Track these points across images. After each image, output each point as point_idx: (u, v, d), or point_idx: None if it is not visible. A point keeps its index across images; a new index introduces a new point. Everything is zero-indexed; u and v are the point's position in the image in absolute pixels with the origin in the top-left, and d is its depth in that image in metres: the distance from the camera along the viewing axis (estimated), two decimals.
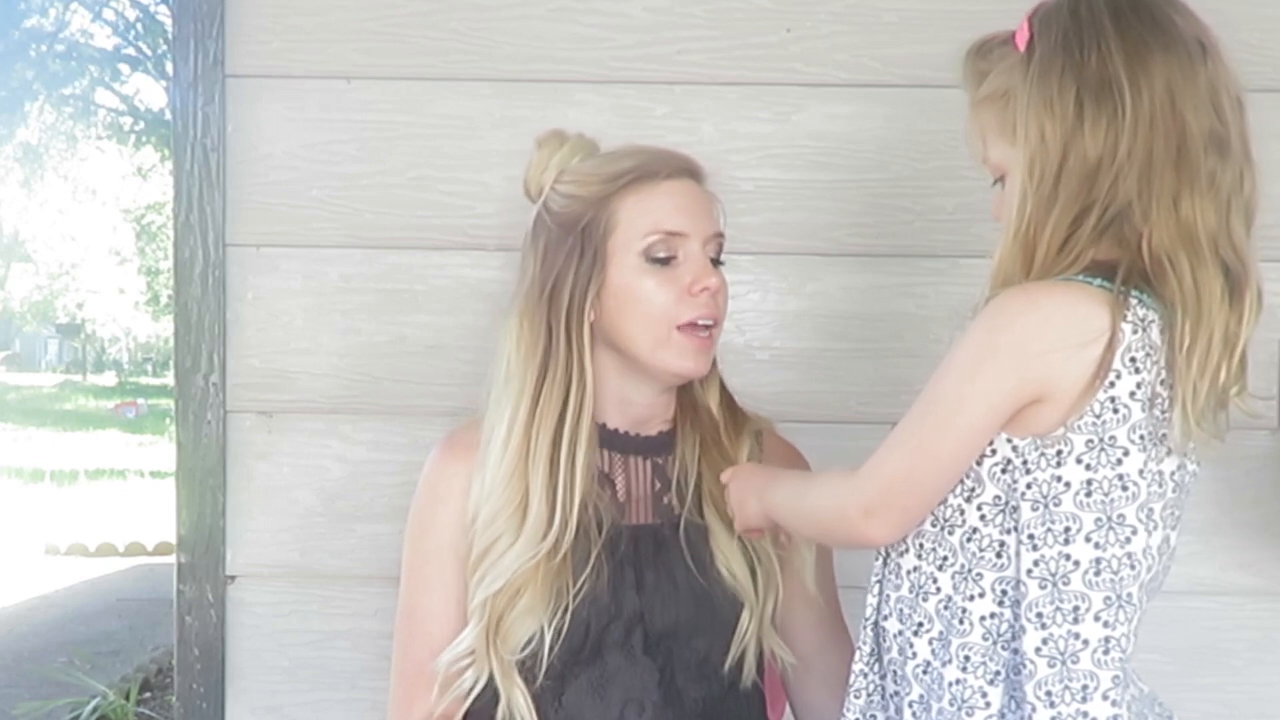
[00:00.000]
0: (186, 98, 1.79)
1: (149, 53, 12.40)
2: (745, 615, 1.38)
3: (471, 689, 1.36)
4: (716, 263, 1.41)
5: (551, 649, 1.32)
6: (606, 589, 1.34)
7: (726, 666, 1.38)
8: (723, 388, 1.48)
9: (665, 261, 1.36)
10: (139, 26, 12.43)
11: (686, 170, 1.41)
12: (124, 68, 13.44)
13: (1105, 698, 1.07)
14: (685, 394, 1.46)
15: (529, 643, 1.33)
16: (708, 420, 1.45)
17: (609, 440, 1.42)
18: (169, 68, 1.87)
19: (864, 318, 1.82)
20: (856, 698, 1.20)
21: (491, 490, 1.36)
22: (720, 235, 1.41)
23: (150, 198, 18.15)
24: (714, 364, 1.46)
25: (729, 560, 1.38)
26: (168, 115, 4.74)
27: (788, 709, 1.54)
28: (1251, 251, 1.09)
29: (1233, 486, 1.79)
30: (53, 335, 33.41)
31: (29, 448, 13.65)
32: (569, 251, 1.37)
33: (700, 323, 1.36)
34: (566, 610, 1.32)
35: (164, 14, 11.21)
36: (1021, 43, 1.12)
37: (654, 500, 1.43)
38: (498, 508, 1.35)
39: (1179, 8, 1.11)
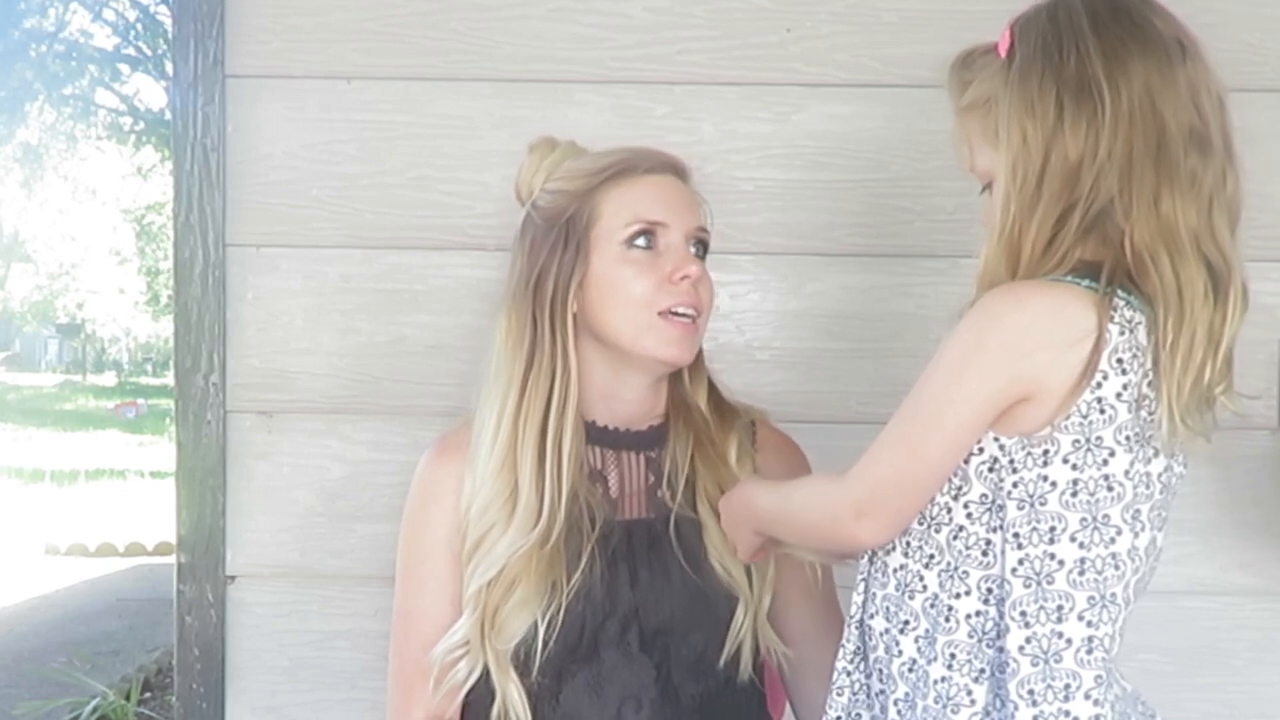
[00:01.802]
0: (186, 98, 1.79)
1: (149, 53, 12.39)
2: (740, 610, 1.39)
3: (466, 680, 1.37)
4: (702, 257, 1.42)
5: (546, 643, 1.33)
6: (600, 585, 1.35)
7: (722, 662, 1.38)
8: (711, 386, 1.48)
9: (646, 250, 1.38)
10: (139, 26, 12.41)
11: (670, 167, 1.43)
12: (124, 68, 13.42)
13: (1088, 697, 1.08)
14: (676, 389, 1.47)
15: (524, 636, 1.33)
16: (699, 418, 1.45)
17: (600, 437, 1.43)
18: (169, 68, 1.87)
19: (864, 318, 1.82)
20: (840, 695, 1.21)
21: (483, 482, 1.38)
22: (703, 230, 1.43)
23: (150, 198, 18.11)
24: (701, 362, 1.47)
25: (723, 556, 1.38)
26: (168, 115, 4.74)
27: (788, 705, 1.54)
28: (1236, 249, 1.10)
29: (1233, 486, 1.79)
30: (53, 335, 33.38)
31: (29, 448, 13.63)
32: (553, 244, 1.39)
33: (680, 310, 1.37)
34: (560, 604, 1.33)
35: (164, 14, 11.20)
36: (1003, 50, 1.14)
37: (648, 494, 1.43)
38: (489, 498, 1.37)
39: (1157, 10, 1.12)
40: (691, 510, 1.40)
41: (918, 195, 1.80)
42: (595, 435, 1.43)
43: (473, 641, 1.36)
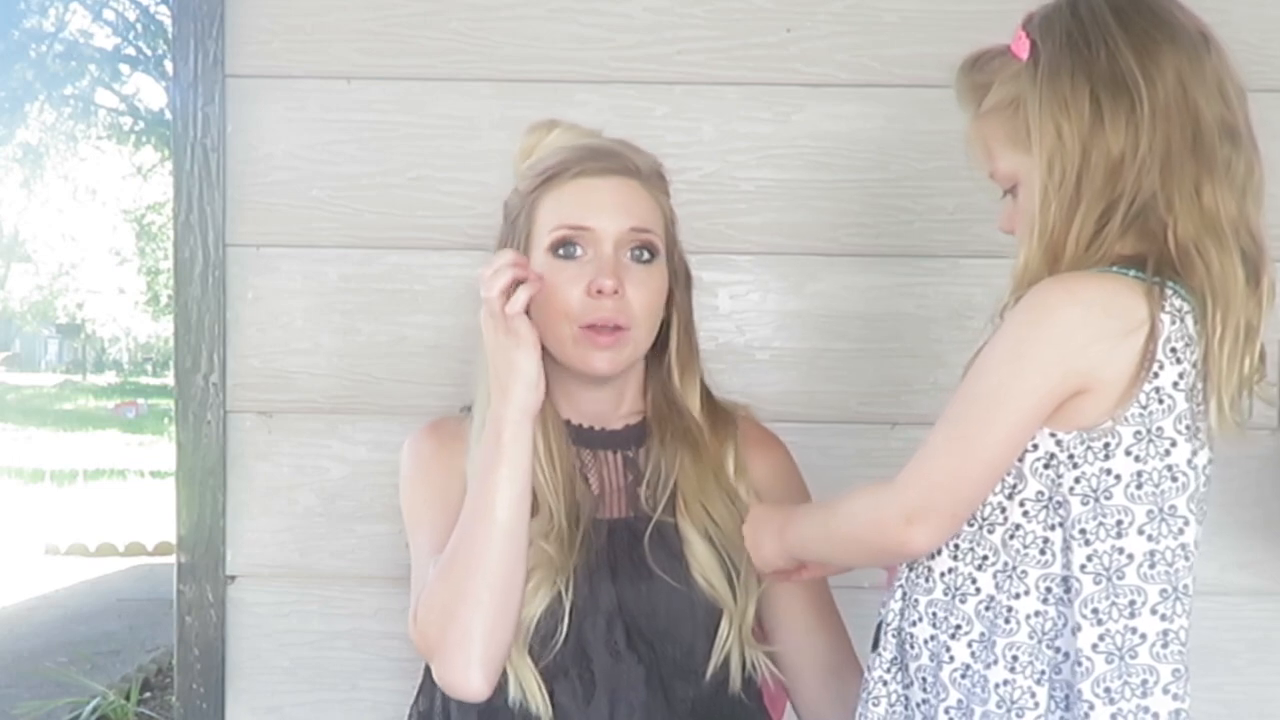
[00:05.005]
0: (186, 98, 1.79)
1: (149, 53, 12.39)
2: (724, 623, 1.36)
3: None
4: (646, 260, 1.36)
5: (540, 622, 1.31)
6: (585, 582, 1.34)
7: (709, 671, 1.37)
8: (704, 390, 1.45)
9: (568, 259, 1.34)
10: (139, 26, 12.42)
11: (611, 169, 1.37)
12: (124, 68, 13.43)
13: (1166, 691, 1.07)
14: (662, 389, 1.44)
15: (539, 620, 1.32)
16: (691, 424, 1.42)
17: (576, 436, 1.41)
18: (169, 68, 1.87)
19: (864, 318, 1.82)
20: (875, 705, 1.18)
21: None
22: (640, 232, 1.36)
23: (150, 198, 18.09)
24: (693, 363, 1.44)
25: (704, 569, 1.36)
26: (168, 115, 4.74)
27: (788, 705, 1.54)
28: (1266, 239, 1.10)
29: (1233, 486, 1.79)
30: (53, 335, 33.35)
31: (29, 448, 13.63)
32: (502, 245, 1.40)
33: (600, 325, 1.34)
34: (568, 585, 1.31)
35: (164, 14, 11.20)
36: (1021, 51, 1.12)
37: (628, 493, 1.42)
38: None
39: (1175, 2, 1.12)
40: (671, 517, 1.38)
41: (918, 195, 1.80)
42: (571, 434, 1.41)
43: None
